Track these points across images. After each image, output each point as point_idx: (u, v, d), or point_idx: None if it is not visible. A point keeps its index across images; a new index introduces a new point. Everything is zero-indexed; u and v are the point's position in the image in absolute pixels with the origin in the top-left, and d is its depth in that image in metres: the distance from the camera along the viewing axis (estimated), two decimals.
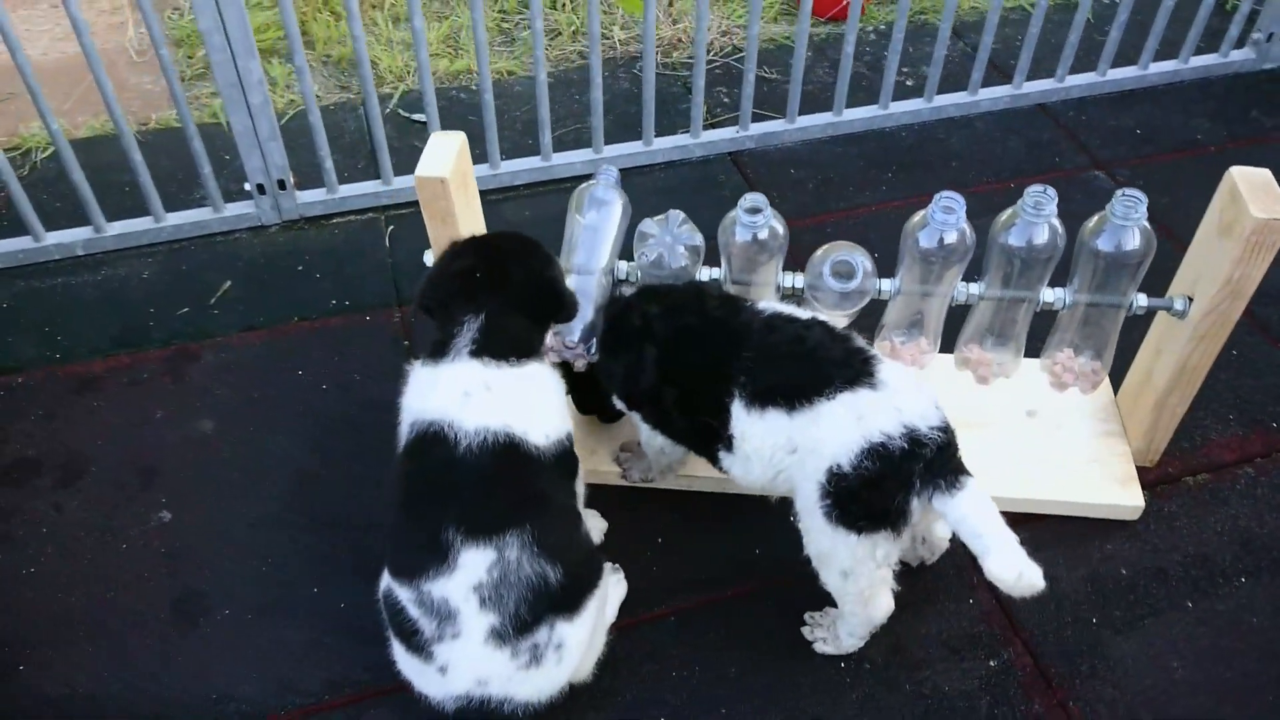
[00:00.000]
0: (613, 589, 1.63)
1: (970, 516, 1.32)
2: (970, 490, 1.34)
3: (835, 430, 1.35)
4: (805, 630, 1.61)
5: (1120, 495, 1.74)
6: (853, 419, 1.35)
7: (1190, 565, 1.70)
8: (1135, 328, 1.71)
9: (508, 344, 1.39)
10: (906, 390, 1.39)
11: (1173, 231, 2.13)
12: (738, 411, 1.44)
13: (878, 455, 1.32)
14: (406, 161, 2.44)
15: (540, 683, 1.37)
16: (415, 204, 2.38)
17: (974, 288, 1.63)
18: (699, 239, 1.55)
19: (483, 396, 1.35)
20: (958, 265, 1.56)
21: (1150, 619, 1.63)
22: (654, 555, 1.73)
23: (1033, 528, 1.73)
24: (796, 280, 1.64)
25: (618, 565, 1.68)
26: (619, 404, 1.63)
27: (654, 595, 1.67)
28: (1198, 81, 2.71)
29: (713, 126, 2.54)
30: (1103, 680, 1.56)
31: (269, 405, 1.95)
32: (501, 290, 1.40)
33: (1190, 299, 1.58)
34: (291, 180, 2.27)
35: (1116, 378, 1.84)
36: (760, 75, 2.41)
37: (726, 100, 2.67)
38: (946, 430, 1.37)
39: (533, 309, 1.43)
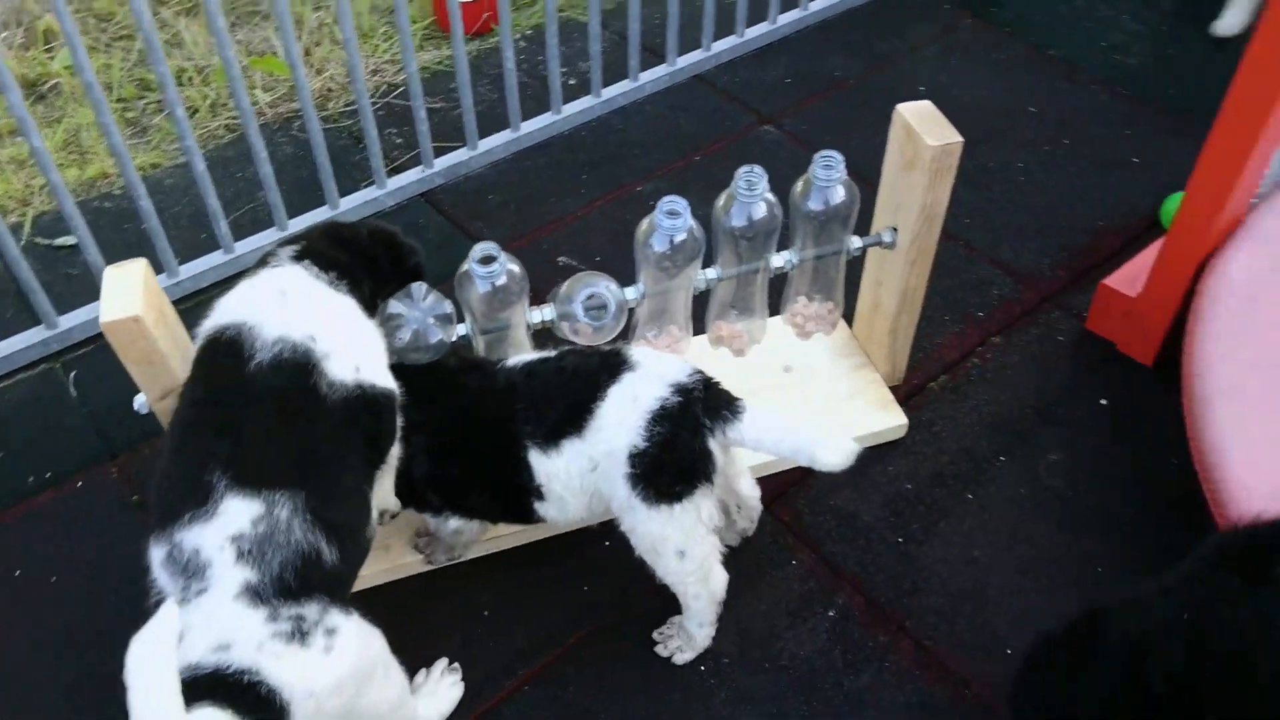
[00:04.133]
0: (445, 691, 1.54)
1: (767, 430, 1.43)
2: (752, 410, 1.44)
3: (619, 421, 1.40)
4: (659, 649, 1.60)
5: (886, 419, 1.87)
6: (629, 402, 1.40)
7: (958, 461, 1.86)
8: (853, 263, 1.83)
9: (336, 261, 1.36)
10: (659, 358, 1.47)
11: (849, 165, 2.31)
12: (537, 460, 1.43)
13: (661, 418, 1.38)
14: (66, 295, 2.14)
15: (301, 666, 1.15)
16: (93, 340, 2.10)
17: (710, 272, 1.67)
18: (447, 305, 1.48)
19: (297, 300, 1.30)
20: (695, 260, 1.59)
21: (943, 521, 1.78)
22: (486, 631, 1.65)
23: None
24: (545, 314, 1.60)
25: (455, 665, 1.58)
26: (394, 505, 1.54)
27: (500, 672, 1.59)
28: (821, 24, 2.94)
29: (396, 171, 2.44)
30: (925, 592, 1.68)
31: None
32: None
33: (895, 230, 1.72)
34: None
35: (848, 314, 1.97)
36: (427, 107, 2.34)
37: (400, 141, 2.57)
38: (701, 373, 1.45)
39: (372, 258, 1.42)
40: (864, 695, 1.56)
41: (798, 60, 2.80)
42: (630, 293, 1.63)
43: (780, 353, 1.93)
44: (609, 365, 1.45)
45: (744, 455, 1.61)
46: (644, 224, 1.57)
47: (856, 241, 1.71)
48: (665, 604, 1.56)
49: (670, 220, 1.52)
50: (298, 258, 1.35)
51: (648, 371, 1.43)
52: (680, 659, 1.59)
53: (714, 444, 1.42)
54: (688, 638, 1.59)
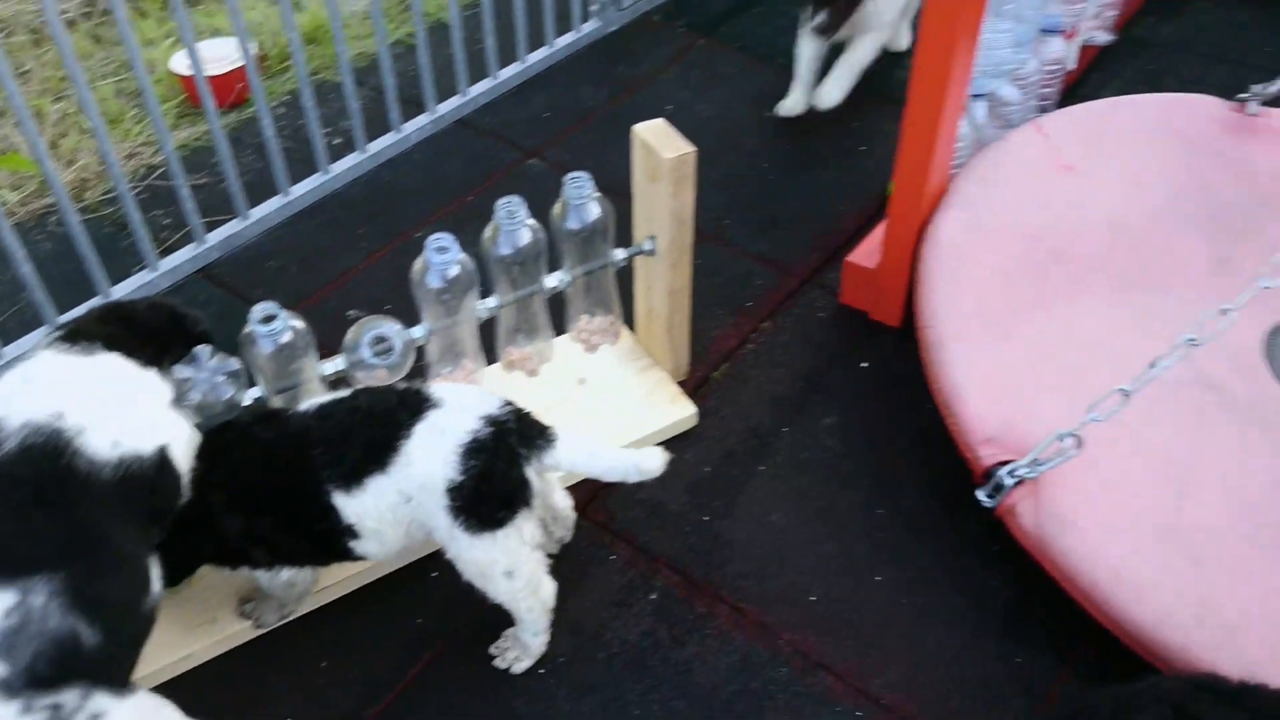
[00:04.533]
0: None
1: (580, 454, 1.54)
2: (565, 436, 1.53)
3: (430, 456, 1.46)
4: (497, 662, 1.68)
5: (677, 412, 2.02)
6: (438, 437, 1.46)
7: (747, 439, 2.04)
8: (624, 274, 1.98)
9: (95, 332, 1.37)
10: (464, 393, 1.54)
11: (609, 186, 2.47)
12: (342, 501, 1.47)
13: (475, 450, 1.45)
14: None
15: None
16: None
17: (490, 301, 1.78)
18: (234, 363, 1.52)
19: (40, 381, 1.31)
20: (471, 291, 1.69)
21: (741, 495, 1.94)
22: (326, 681, 1.68)
23: None
24: (337, 364, 1.66)
25: None
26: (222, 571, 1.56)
27: (346, 718, 1.63)
28: (568, 58, 3.11)
29: (169, 251, 2.41)
30: (734, 561, 1.84)
31: None
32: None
33: (653, 237, 1.88)
34: None
35: (628, 320, 2.12)
36: (191, 185, 2.33)
37: (168, 221, 2.54)
38: (511, 404, 1.54)
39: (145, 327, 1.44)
40: (691, 663, 1.69)
41: (552, 94, 2.96)
42: (416, 331, 1.71)
43: (572, 368, 2.06)
44: (410, 403, 1.51)
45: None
46: (418, 264, 1.66)
47: (620, 253, 1.86)
48: (497, 619, 1.64)
49: (440, 256, 1.62)
50: (51, 344, 1.37)
51: (453, 406, 1.50)
52: (519, 668, 1.68)
53: (530, 471, 1.51)
54: (523, 647, 1.68)
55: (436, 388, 1.54)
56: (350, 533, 1.50)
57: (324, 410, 1.52)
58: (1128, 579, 1.62)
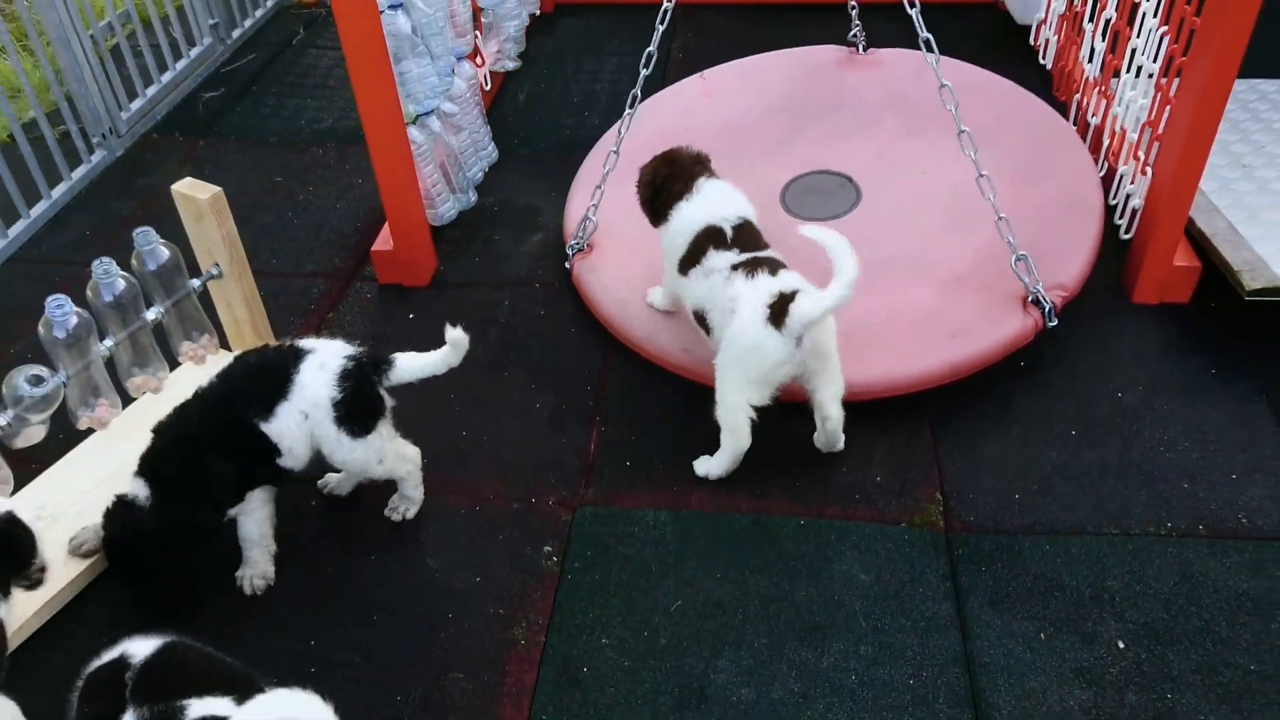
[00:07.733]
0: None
1: (411, 362, 2.22)
2: (400, 357, 2.22)
3: (317, 381, 2.14)
4: (393, 516, 2.36)
5: None
6: (318, 371, 2.14)
7: None
8: (207, 300, 2.59)
9: None
10: (328, 343, 2.21)
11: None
12: (265, 427, 2.15)
13: (346, 375, 2.14)
14: None
15: None
16: None
17: (108, 341, 2.31)
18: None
19: None
20: (91, 336, 2.21)
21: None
22: None
23: None
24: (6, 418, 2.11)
25: None
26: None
27: None
28: (90, 186, 3.58)
29: None
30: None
31: None
32: None
33: (217, 264, 2.51)
34: None
35: (223, 335, 2.72)
36: None
37: None
38: (362, 346, 2.22)
39: None
40: (429, 530, 2.37)
41: (87, 216, 3.43)
42: (61, 374, 2.20)
43: (196, 382, 2.61)
44: (292, 352, 2.17)
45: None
46: (42, 323, 2.16)
47: (195, 282, 2.48)
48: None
49: (59, 310, 2.14)
50: None
51: (324, 350, 2.16)
52: (410, 514, 2.36)
53: (383, 392, 2.21)
54: (409, 501, 2.36)
55: (306, 341, 2.18)
56: (276, 451, 2.13)
57: (224, 373, 2.21)
58: (615, 295, 2.66)
